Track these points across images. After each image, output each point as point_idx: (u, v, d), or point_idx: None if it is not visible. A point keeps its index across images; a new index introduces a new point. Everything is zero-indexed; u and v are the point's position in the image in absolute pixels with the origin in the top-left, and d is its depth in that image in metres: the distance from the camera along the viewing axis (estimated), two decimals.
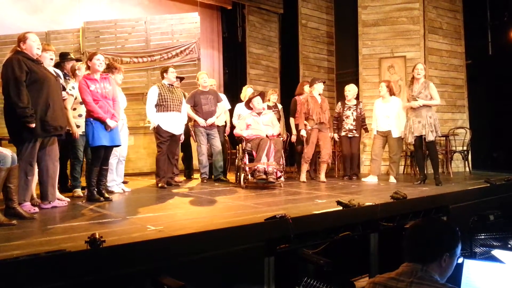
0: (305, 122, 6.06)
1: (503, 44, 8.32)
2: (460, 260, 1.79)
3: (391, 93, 6.12)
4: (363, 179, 6.16)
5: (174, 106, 5.54)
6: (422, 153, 5.66)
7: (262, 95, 5.98)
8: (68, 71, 4.94)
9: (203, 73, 6.53)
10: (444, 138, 7.00)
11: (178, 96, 5.66)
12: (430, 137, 5.31)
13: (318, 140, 6.08)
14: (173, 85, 5.69)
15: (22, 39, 3.58)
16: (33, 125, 3.45)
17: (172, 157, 5.72)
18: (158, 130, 5.52)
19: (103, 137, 4.20)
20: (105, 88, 4.32)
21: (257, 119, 5.67)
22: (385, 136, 6.06)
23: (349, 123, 6.41)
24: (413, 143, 5.56)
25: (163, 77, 5.68)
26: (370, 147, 7.45)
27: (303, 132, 5.99)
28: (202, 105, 6.16)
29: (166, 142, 5.52)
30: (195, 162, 6.98)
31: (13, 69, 3.41)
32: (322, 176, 6.09)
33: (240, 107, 6.56)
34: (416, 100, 5.38)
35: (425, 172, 5.66)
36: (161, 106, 5.50)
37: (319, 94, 6.12)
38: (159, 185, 5.43)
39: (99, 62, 4.27)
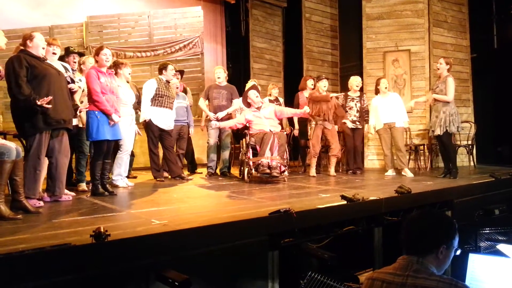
0: (311, 118, 6.05)
1: (508, 38, 8.27)
2: (458, 252, 1.79)
3: (388, 88, 6.28)
4: (386, 174, 6.12)
5: (168, 103, 5.59)
6: (442, 147, 5.67)
7: (255, 87, 5.90)
8: (72, 65, 4.95)
9: (219, 67, 6.52)
10: None
11: (172, 94, 5.73)
12: (437, 132, 5.39)
13: (325, 136, 6.08)
14: (169, 82, 5.72)
15: (28, 37, 3.64)
16: (47, 106, 3.46)
17: (171, 151, 5.72)
18: (149, 125, 5.54)
19: (106, 131, 4.19)
20: (112, 83, 4.34)
21: (258, 114, 5.62)
22: (390, 128, 6.07)
23: (352, 114, 6.41)
24: (432, 136, 5.81)
25: (161, 73, 5.69)
26: (375, 142, 7.46)
27: (306, 109, 5.81)
28: (212, 99, 6.19)
29: (158, 137, 5.58)
30: (197, 156, 7.02)
31: (13, 66, 3.51)
32: (332, 170, 6.10)
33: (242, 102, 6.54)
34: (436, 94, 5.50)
35: (449, 166, 5.59)
36: (156, 101, 5.52)
37: (324, 91, 6.10)
38: (158, 179, 5.52)
39: (106, 57, 4.27)
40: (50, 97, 3.48)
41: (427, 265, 1.69)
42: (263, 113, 5.64)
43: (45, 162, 3.87)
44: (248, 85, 6.69)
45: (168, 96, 5.58)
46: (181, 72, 6.86)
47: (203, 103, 6.30)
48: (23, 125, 3.56)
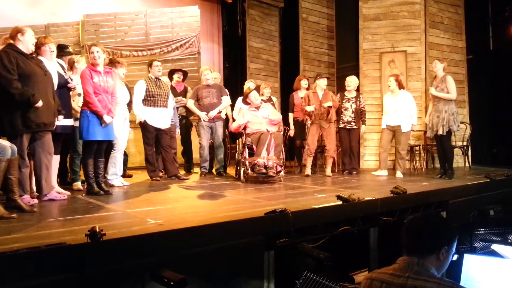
0: (306, 117, 6.06)
1: (504, 39, 8.30)
2: (455, 258, 1.79)
3: (400, 86, 6.07)
4: (373, 173, 6.12)
5: (161, 101, 5.53)
6: (441, 147, 5.66)
7: (258, 88, 5.94)
8: (66, 63, 4.92)
9: (206, 68, 6.52)
10: None
11: (165, 92, 5.65)
12: (440, 131, 5.42)
13: (321, 136, 6.07)
14: (160, 79, 5.68)
15: (20, 31, 3.57)
16: (40, 104, 3.48)
17: (168, 151, 5.68)
18: (144, 126, 5.52)
19: (97, 132, 4.15)
20: (107, 82, 4.28)
21: (256, 113, 5.62)
22: (393, 130, 6.02)
23: (347, 115, 6.36)
24: (430, 137, 5.80)
25: (149, 71, 5.67)
26: (370, 142, 7.48)
27: (308, 108, 5.92)
28: (203, 98, 6.16)
29: (154, 137, 5.56)
30: (195, 156, 7.00)
31: (3, 62, 3.41)
32: (328, 171, 6.10)
33: (241, 102, 6.53)
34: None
35: (445, 167, 5.61)
36: (148, 101, 5.48)
37: (323, 89, 6.08)
38: (153, 178, 5.51)
39: (93, 55, 4.21)
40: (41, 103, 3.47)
41: (427, 266, 1.68)
42: (262, 113, 5.64)
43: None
44: (245, 86, 6.68)
45: (160, 95, 5.52)
46: (184, 73, 6.85)
47: (192, 104, 6.23)
48: (2, 126, 3.48)
